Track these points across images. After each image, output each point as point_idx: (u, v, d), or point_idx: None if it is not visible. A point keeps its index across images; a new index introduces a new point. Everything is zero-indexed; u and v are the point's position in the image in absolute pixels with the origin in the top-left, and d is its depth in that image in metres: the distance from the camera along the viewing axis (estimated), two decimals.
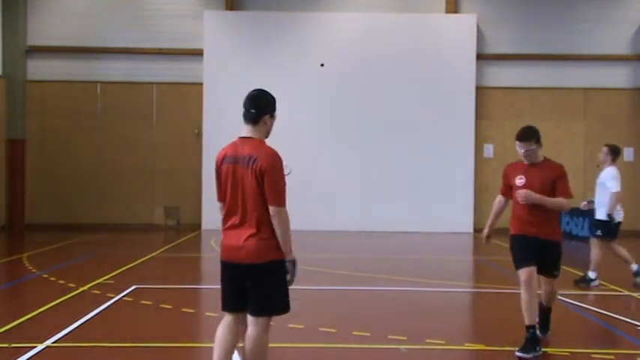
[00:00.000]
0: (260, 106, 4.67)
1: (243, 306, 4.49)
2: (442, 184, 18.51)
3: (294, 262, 4.50)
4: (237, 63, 18.92)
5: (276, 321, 7.21)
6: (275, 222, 4.37)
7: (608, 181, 9.44)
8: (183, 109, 19.36)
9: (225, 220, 4.50)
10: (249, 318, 4.49)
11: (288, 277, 4.56)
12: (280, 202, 4.43)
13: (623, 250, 9.80)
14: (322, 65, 12.22)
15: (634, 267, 9.74)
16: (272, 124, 4.75)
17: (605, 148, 9.71)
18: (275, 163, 4.45)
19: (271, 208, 4.37)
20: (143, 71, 19.32)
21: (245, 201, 4.39)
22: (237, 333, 4.57)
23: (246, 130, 4.67)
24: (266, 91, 4.73)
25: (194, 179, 19.08)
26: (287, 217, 4.44)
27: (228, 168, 4.48)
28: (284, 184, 4.49)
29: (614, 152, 9.62)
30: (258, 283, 4.41)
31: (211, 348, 6.36)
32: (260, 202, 4.38)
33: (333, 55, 18.96)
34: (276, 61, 18.97)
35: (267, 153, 4.48)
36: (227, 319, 4.57)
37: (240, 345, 4.63)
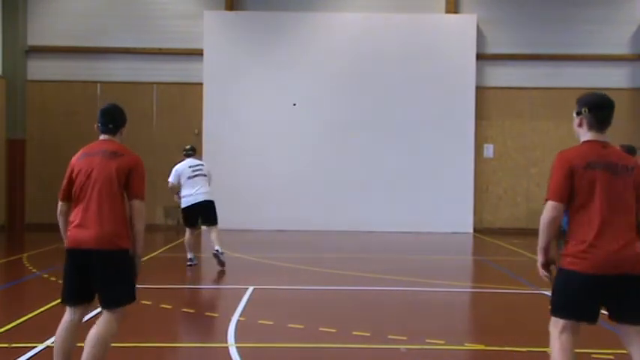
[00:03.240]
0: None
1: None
2: (442, 184, 18.51)
3: None
4: (237, 63, 18.92)
5: (276, 321, 7.23)
6: None
7: None
8: (183, 109, 19.36)
9: None
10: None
11: None
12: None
13: None
14: (295, 105, 12.34)
15: None
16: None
17: (620, 148, 9.44)
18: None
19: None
20: (143, 71, 19.32)
21: None
22: None
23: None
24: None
25: None
26: None
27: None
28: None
29: (631, 152, 9.41)
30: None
31: (211, 348, 6.35)
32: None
33: (332, 55, 18.96)
34: (276, 61, 18.97)
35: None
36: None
37: None
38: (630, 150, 9.28)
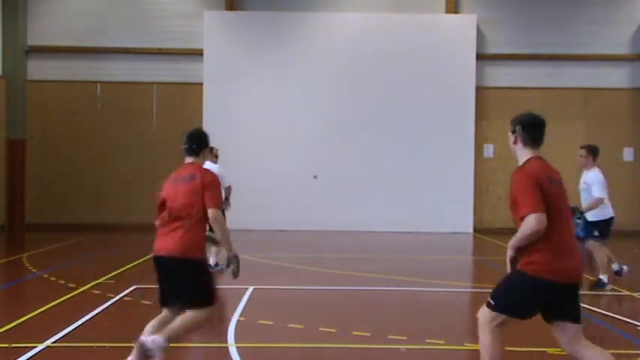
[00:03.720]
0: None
1: None
2: (442, 184, 18.51)
3: None
4: (237, 63, 18.92)
5: (276, 321, 7.23)
6: None
7: (594, 185, 9.13)
8: (183, 109, 19.35)
9: None
10: None
11: None
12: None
13: (607, 252, 9.52)
14: (315, 177, 11.77)
15: (606, 277, 9.49)
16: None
17: (583, 150, 9.43)
18: None
19: None
20: (143, 71, 19.31)
21: None
22: None
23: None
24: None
25: None
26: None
27: None
28: None
29: (595, 153, 9.39)
30: None
31: (211, 348, 6.36)
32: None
33: (332, 55, 18.96)
34: (276, 61, 18.98)
35: None
36: None
37: None
38: (594, 150, 9.32)
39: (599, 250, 9.40)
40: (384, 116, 18.88)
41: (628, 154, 19.47)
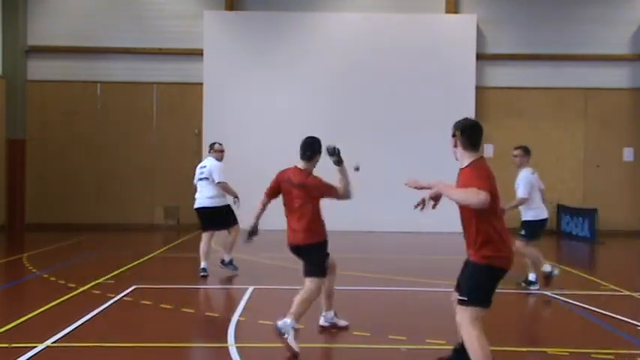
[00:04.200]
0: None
1: None
2: None
3: None
4: (237, 63, 18.92)
5: (276, 321, 7.22)
6: None
7: (520, 185, 9.29)
8: (183, 109, 19.36)
9: None
10: None
11: None
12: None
13: (535, 252, 9.29)
14: (357, 169, 11.84)
15: (534, 276, 9.40)
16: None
17: (518, 151, 9.65)
18: None
19: None
20: (143, 71, 19.31)
21: None
22: None
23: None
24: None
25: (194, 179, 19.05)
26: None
27: None
28: None
29: (529, 153, 9.70)
30: None
31: (211, 348, 6.37)
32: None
33: (332, 55, 18.96)
34: (276, 61, 18.97)
35: None
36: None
37: None
38: (528, 151, 9.69)
39: (524, 250, 9.21)
40: (384, 116, 18.88)
41: (628, 154, 19.47)
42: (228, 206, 10.62)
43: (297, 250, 6.79)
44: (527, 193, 9.18)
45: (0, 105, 18.57)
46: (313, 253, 6.72)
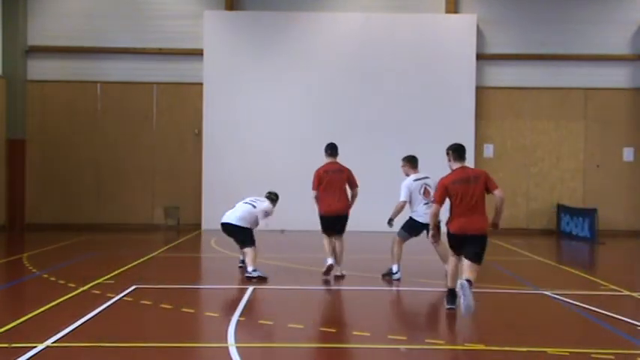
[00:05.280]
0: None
1: None
2: None
3: None
4: (237, 63, 18.93)
5: (276, 321, 7.23)
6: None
7: (402, 188, 10.34)
8: (183, 109, 19.37)
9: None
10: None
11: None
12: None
13: (398, 250, 10.30)
14: (282, 232, 12.56)
15: (394, 267, 10.14)
16: None
17: (402, 162, 10.81)
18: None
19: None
20: (143, 71, 19.32)
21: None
22: None
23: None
24: None
25: (194, 179, 19.08)
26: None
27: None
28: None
29: (411, 161, 10.76)
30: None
31: (211, 348, 6.38)
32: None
33: (332, 55, 18.97)
34: (276, 61, 18.98)
35: None
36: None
37: None
38: (411, 160, 10.64)
39: (396, 245, 10.33)
40: (384, 116, 18.88)
41: (628, 154, 19.47)
42: None
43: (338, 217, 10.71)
44: (405, 197, 10.32)
45: (0, 105, 18.57)
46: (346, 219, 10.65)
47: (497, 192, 7.65)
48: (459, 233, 7.67)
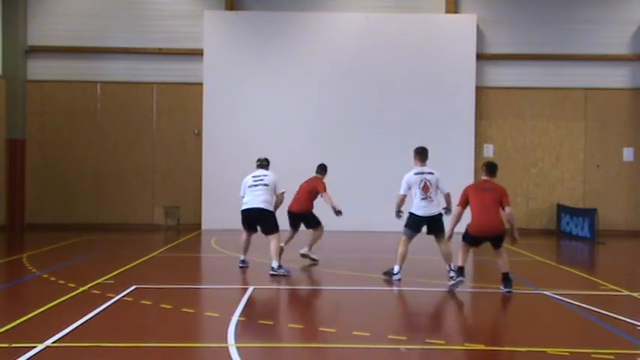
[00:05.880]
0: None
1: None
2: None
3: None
4: (237, 63, 18.93)
5: (276, 321, 7.23)
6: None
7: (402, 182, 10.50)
8: (183, 109, 19.37)
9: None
10: None
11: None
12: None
13: (403, 250, 10.24)
14: (197, 133, 13.29)
15: (396, 268, 10.09)
16: None
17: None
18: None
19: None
20: (143, 71, 19.32)
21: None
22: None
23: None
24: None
25: (194, 179, 19.09)
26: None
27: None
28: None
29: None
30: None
31: (211, 348, 6.39)
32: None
33: (332, 55, 18.97)
34: (276, 60, 18.98)
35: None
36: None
37: None
38: (422, 153, 10.79)
39: (401, 245, 10.28)
40: (384, 116, 18.89)
41: (628, 154, 19.48)
42: None
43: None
44: (403, 190, 10.43)
45: (0, 105, 18.57)
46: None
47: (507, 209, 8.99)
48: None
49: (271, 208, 10.74)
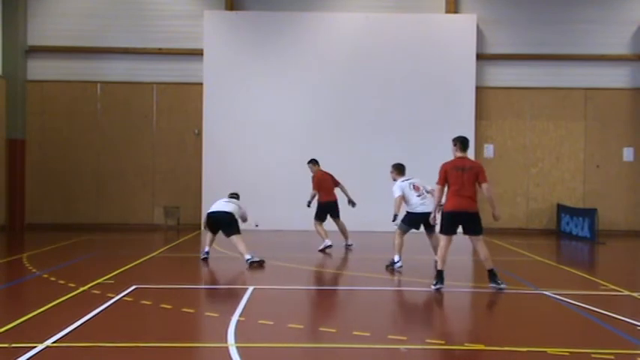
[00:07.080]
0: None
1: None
2: None
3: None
4: (237, 63, 18.93)
5: (276, 321, 7.23)
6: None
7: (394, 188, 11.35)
8: (183, 109, 19.38)
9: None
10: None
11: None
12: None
13: (399, 241, 11.14)
14: (257, 225, 14.53)
15: (396, 257, 10.99)
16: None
17: (391, 168, 12.02)
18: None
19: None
20: (143, 71, 19.33)
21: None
22: None
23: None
24: None
25: (194, 179, 19.10)
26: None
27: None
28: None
29: (399, 169, 11.93)
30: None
31: (211, 348, 6.39)
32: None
33: (332, 55, 18.97)
34: (276, 61, 18.99)
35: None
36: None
37: None
38: (399, 167, 11.83)
39: (397, 237, 11.16)
40: (384, 116, 18.89)
41: (628, 154, 19.48)
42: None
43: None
44: (397, 193, 11.27)
45: (0, 105, 18.57)
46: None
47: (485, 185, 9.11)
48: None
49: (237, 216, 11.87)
